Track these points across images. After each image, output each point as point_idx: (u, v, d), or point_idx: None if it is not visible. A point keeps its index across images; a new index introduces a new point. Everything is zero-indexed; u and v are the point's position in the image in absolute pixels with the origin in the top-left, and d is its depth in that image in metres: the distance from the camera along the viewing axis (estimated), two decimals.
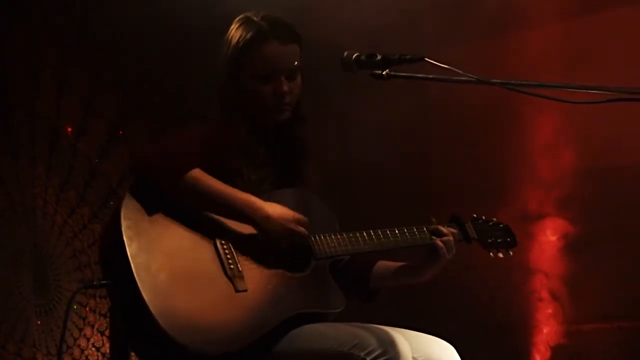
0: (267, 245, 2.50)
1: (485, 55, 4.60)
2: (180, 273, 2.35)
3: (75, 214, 4.23)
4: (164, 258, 2.34)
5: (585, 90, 2.16)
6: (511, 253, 2.91)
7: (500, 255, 2.89)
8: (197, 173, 2.44)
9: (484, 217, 2.93)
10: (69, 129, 4.25)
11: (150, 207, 2.40)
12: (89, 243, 4.26)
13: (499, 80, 2.22)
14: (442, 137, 4.92)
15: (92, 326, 4.23)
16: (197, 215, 2.47)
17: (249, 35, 2.59)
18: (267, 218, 2.47)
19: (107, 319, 4.20)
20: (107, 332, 4.23)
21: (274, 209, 2.49)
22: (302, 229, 2.51)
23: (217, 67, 2.66)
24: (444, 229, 2.74)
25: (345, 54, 2.40)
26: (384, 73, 2.32)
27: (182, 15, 4.26)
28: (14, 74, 4.10)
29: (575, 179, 4.60)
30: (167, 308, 2.28)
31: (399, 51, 2.35)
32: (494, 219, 2.95)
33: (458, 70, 2.23)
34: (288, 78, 2.61)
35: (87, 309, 4.22)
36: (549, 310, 4.74)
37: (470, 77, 2.23)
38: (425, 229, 2.73)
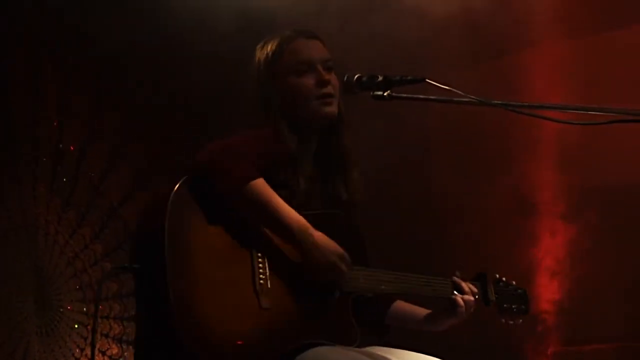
0: (302, 269, 2.45)
1: (493, 76, 4.61)
2: (210, 273, 2.32)
3: (77, 234, 4.23)
4: (198, 255, 2.31)
5: (585, 112, 2.17)
6: (521, 321, 2.92)
7: (511, 322, 2.91)
8: (260, 183, 2.38)
9: (504, 279, 2.94)
10: (72, 148, 4.25)
11: (199, 202, 2.36)
12: (90, 263, 4.25)
13: (500, 102, 2.23)
14: (441, 141, 4.94)
15: (94, 346, 4.21)
16: (243, 220, 2.42)
17: (275, 45, 2.62)
18: (315, 247, 2.41)
19: (109, 339, 4.19)
20: (108, 352, 4.22)
21: (323, 239, 2.44)
22: (343, 267, 2.45)
23: (254, 89, 2.64)
24: (467, 288, 2.74)
25: (346, 76, 2.42)
26: (385, 94, 2.34)
27: (185, 32, 4.26)
28: (15, 95, 4.11)
29: (578, 198, 4.60)
30: (188, 305, 2.25)
31: (401, 73, 2.36)
32: (513, 282, 2.96)
33: (459, 92, 2.24)
34: (324, 68, 2.61)
35: (89, 328, 4.21)
36: (549, 332, 4.73)
37: (471, 98, 2.24)
38: (450, 281, 2.74)
